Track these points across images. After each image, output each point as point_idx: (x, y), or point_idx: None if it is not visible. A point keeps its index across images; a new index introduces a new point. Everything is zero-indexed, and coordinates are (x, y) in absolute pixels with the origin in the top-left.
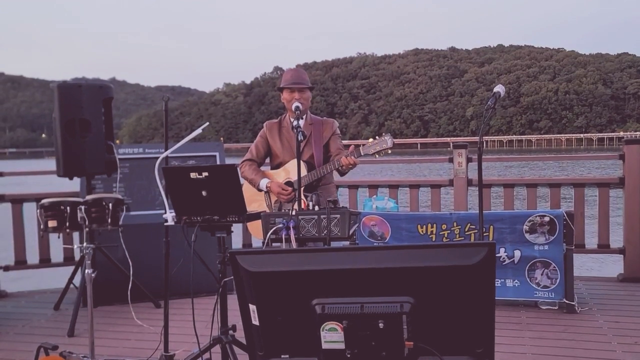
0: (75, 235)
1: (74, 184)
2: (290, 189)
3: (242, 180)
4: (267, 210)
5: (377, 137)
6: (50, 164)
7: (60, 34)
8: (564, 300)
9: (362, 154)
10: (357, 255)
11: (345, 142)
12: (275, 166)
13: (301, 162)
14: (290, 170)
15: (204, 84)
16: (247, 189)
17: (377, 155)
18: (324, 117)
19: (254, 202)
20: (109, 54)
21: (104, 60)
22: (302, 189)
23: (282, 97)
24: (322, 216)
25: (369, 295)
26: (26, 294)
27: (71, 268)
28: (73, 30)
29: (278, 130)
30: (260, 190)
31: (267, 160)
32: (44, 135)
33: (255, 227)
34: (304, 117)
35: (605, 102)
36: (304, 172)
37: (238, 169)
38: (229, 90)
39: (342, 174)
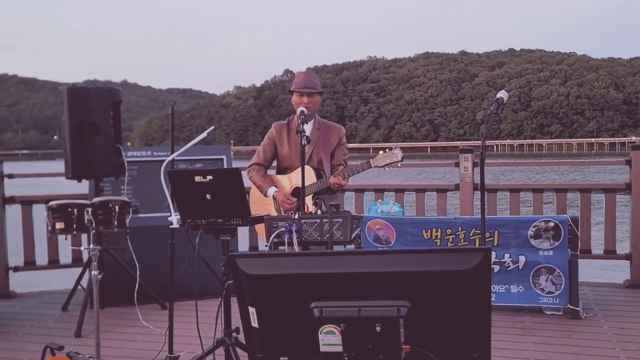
0: (84, 237)
1: (83, 186)
2: (294, 199)
3: (249, 184)
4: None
5: (387, 150)
6: (61, 165)
7: (73, 36)
8: (569, 306)
9: (372, 166)
10: (354, 260)
11: (355, 145)
12: (281, 169)
13: (310, 168)
14: (297, 177)
15: (215, 87)
16: (255, 192)
17: (386, 168)
18: (331, 122)
19: (261, 205)
20: (121, 56)
21: (116, 63)
22: (310, 196)
23: (292, 99)
24: (324, 220)
25: (367, 299)
26: (35, 294)
27: (79, 269)
28: (85, 32)
29: (287, 132)
30: (267, 197)
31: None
32: (56, 137)
33: (262, 228)
34: (312, 121)
35: (617, 107)
36: (313, 179)
37: (246, 172)
38: (239, 93)
39: (333, 190)
